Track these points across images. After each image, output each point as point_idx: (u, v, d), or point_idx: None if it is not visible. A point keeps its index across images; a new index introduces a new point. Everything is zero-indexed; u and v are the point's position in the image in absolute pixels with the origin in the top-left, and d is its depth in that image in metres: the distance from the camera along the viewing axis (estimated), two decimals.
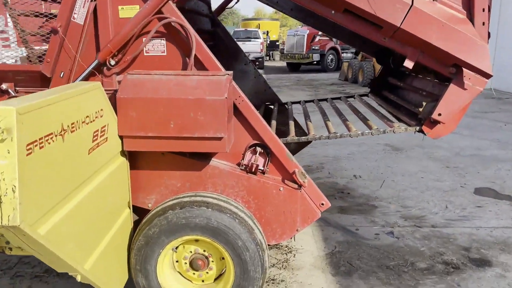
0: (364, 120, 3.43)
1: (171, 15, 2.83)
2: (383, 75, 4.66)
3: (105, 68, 2.88)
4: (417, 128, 3.07)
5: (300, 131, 4.54)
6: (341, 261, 3.61)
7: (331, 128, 3.27)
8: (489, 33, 2.82)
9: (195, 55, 2.83)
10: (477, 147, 7.18)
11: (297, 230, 3.04)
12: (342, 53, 22.71)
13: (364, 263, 3.57)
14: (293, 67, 23.81)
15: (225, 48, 4.87)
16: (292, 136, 3.20)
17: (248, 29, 27.67)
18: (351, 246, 3.86)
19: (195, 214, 2.71)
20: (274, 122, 3.58)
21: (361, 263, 3.56)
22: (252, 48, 24.09)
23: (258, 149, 2.98)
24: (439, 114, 2.89)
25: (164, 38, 2.89)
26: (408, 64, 2.86)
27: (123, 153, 2.78)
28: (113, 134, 2.63)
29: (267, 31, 30.99)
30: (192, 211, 2.71)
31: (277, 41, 32.94)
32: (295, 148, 4.88)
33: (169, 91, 2.66)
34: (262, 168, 2.98)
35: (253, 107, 2.92)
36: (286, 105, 4.61)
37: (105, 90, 2.69)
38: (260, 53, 24.48)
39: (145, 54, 2.93)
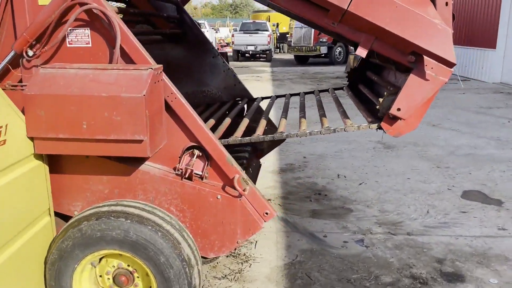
0: (322, 116, 3.07)
1: (92, 1, 2.50)
2: (362, 67, 4.26)
3: (24, 60, 2.58)
4: (376, 125, 2.70)
5: (271, 128, 4.19)
6: (299, 273, 3.27)
7: (303, 125, 2.91)
8: (453, 15, 2.42)
9: (120, 46, 2.52)
10: (474, 145, 6.72)
11: (237, 243, 2.71)
12: None
13: (324, 275, 3.22)
14: (301, 60, 23.30)
15: (194, 39, 4.53)
16: (235, 137, 2.85)
17: (257, 21, 27.22)
18: (314, 255, 3.51)
19: (111, 226, 2.40)
20: (246, 120, 3.23)
21: (321, 276, 3.21)
22: (259, 40, 23.68)
23: (196, 152, 2.65)
24: (398, 109, 2.51)
25: (89, 28, 2.58)
26: (361, 52, 2.48)
27: (38, 155, 2.48)
28: (16, 135, 2.32)
29: (277, 23, 30.48)
30: (109, 222, 2.40)
31: (287, 33, 32.44)
32: (268, 146, 4.53)
33: (82, 88, 2.36)
34: (200, 173, 2.66)
35: (188, 105, 2.60)
36: (255, 101, 4.26)
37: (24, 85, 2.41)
38: (267, 45, 24.04)
39: (68, 45, 2.63)
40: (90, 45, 2.61)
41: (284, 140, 4.51)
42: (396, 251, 3.54)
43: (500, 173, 5.39)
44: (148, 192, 2.67)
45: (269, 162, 5.92)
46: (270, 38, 24.57)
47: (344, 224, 4.06)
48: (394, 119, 2.60)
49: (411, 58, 2.44)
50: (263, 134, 2.90)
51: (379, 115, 2.73)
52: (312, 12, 2.51)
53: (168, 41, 4.37)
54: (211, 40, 22.78)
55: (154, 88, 2.39)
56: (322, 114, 3.16)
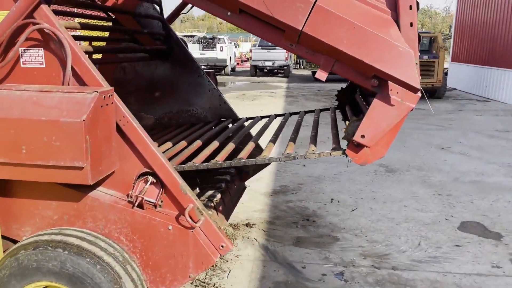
0: (293, 140, 2.89)
1: (44, 21, 2.41)
2: (351, 87, 4.06)
3: None
4: (340, 152, 2.50)
5: (258, 151, 4.02)
6: None
7: (289, 148, 2.71)
8: (419, 36, 2.22)
9: (72, 67, 2.41)
10: (482, 172, 6.36)
11: (189, 277, 2.53)
12: None
13: None
14: None
15: (179, 57, 4.42)
16: (192, 163, 2.69)
17: None
18: None
19: (48, 257, 2.26)
20: (231, 145, 3.06)
21: None
22: (277, 56, 23.63)
23: (150, 178, 2.50)
24: (362, 136, 2.31)
25: (42, 48, 2.49)
26: (320, 75, 2.29)
27: None
28: None
29: None
30: (46, 253, 2.26)
31: None
32: (254, 169, 4.35)
33: (23, 111, 2.26)
34: (153, 201, 2.50)
35: (140, 130, 2.46)
36: (240, 121, 4.10)
37: None
38: (284, 61, 23.96)
39: (22, 65, 2.54)
40: (43, 65, 2.52)
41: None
42: (376, 287, 3.28)
43: (505, 204, 5.04)
44: (98, 219, 2.53)
45: (263, 183, 5.73)
46: (288, 54, 24.50)
47: (327, 254, 3.81)
48: (359, 146, 2.39)
49: (374, 82, 2.25)
50: (247, 158, 2.72)
51: (343, 139, 2.54)
52: (270, 33, 2.34)
53: (154, 58, 4.27)
54: (230, 55, 22.67)
55: (100, 112, 2.28)
56: (293, 137, 2.97)
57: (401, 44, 2.11)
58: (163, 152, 2.91)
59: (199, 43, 24.91)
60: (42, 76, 2.52)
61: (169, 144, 3.33)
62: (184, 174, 4.01)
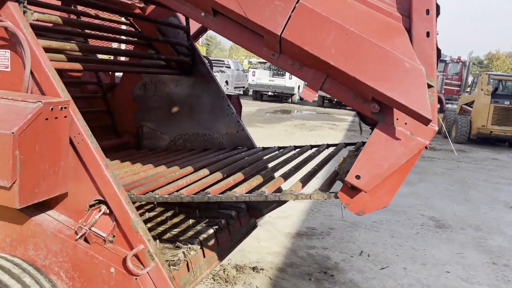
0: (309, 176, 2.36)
1: (9, 19, 2.17)
2: None
3: None
4: (331, 195, 1.94)
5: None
6: None
7: (273, 185, 2.23)
8: (438, 51, 1.64)
9: (31, 72, 2.12)
10: None
11: None
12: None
13: None
14: None
15: (200, 76, 4.08)
16: (151, 194, 2.24)
17: None
18: None
19: None
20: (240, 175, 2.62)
21: None
22: None
23: (103, 208, 2.11)
24: (357, 177, 1.75)
25: (9, 50, 2.23)
26: (307, 94, 1.78)
27: None
28: None
29: None
30: None
31: None
32: (267, 206, 3.83)
33: None
34: (103, 235, 2.09)
35: (95, 149, 2.10)
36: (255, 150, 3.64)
37: None
38: None
39: None
40: (9, 69, 2.26)
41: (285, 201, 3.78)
42: None
43: None
44: (39, 248, 2.17)
45: (290, 221, 5.14)
46: None
47: None
48: (355, 189, 1.82)
49: (374, 108, 1.69)
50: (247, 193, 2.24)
51: (337, 179, 1.98)
52: (249, 40, 1.88)
53: (174, 71, 3.96)
54: (299, 84, 22.30)
55: (42, 126, 1.94)
56: (311, 173, 2.43)
57: (409, 58, 1.55)
58: (155, 177, 2.51)
59: (270, 70, 24.92)
60: (6, 81, 2.26)
61: (162, 168, 2.95)
62: (181, 205, 3.61)
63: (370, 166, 1.72)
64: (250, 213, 3.75)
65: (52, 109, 1.98)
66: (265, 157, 3.24)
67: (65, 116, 2.07)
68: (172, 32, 4.00)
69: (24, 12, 2.28)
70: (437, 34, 1.61)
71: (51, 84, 2.14)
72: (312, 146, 3.52)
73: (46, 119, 1.96)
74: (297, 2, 1.63)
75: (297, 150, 3.42)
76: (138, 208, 3.32)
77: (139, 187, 2.34)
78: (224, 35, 1.94)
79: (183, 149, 3.93)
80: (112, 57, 4.65)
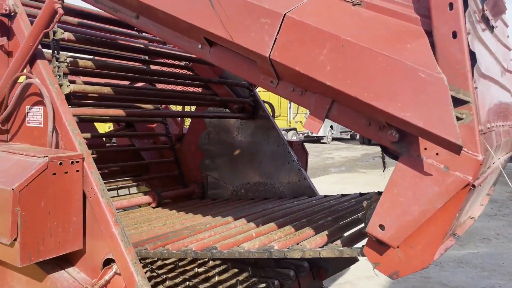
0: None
1: (38, 77, 2.24)
2: None
3: None
4: (355, 251, 1.53)
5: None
6: None
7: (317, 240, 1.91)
8: (472, 54, 1.21)
9: (54, 128, 2.13)
10: None
11: None
12: None
13: None
14: None
15: (260, 123, 3.91)
16: (158, 250, 2.02)
17: None
18: None
19: None
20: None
21: None
22: None
23: (115, 267, 1.96)
24: (381, 227, 1.33)
25: (41, 107, 2.29)
26: (311, 125, 1.44)
27: None
28: None
29: None
30: None
31: None
32: (335, 264, 3.39)
33: None
34: None
35: (105, 205, 2.00)
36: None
37: None
38: None
39: (27, 124, 2.39)
40: (41, 125, 2.31)
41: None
42: None
43: None
44: None
45: (376, 282, 4.50)
46: None
47: None
48: (383, 244, 1.39)
49: (391, 136, 1.30)
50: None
51: (363, 231, 1.56)
52: (246, 68, 1.63)
53: (236, 118, 3.86)
54: None
55: (49, 181, 1.89)
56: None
57: (424, 66, 1.16)
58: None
59: None
60: (40, 137, 2.31)
61: (205, 219, 2.74)
62: (236, 259, 3.32)
63: (396, 213, 1.30)
64: (314, 273, 3.32)
65: (60, 163, 1.92)
66: (315, 206, 2.86)
67: (77, 170, 1.99)
68: (231, 76, 3.93)
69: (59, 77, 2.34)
70: (469, 33, 1.20)
71: (70, 139, 2.12)
72: (379, 193, 3.05)
73: (54, 173, 1.89)
74: (284, 16, 1.36)
75: (361, 197, 2.98)
76: (191, 263, 3.14)
77: (155, 241, 2.14)
78: (223, 65, 1.73)
79: (243, 199, 3.74)
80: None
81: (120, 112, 2.92)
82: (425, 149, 1.24)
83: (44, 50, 2.35)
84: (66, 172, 1.94)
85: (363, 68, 1.22)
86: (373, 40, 1.24)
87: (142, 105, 3.63)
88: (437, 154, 1.23)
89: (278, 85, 1.53)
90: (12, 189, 1.74)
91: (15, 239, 1.76)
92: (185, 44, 1.79)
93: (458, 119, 1.16)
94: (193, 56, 3.82)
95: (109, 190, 3.68)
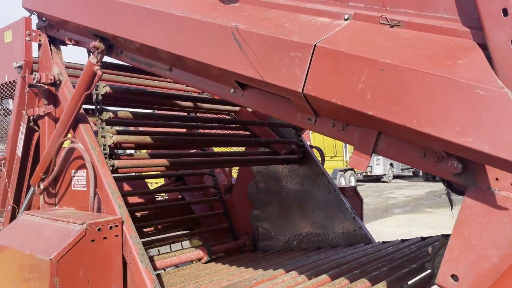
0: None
1: (81, 141, 2.25)
2: None
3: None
4: None
5: None
6: None
7: None
8: None
9: (95, 192, 2.10)
10: None
11: None
12: None
13: None
14: None
15: (308, 169, 3.74)
16: None
17: None
18: None
19: None
20: None
21: None
22: None
23: None
24: (454, 277, 1.11)
25: (85, 171, 2.30)
26: (356, 162, 1.28)
27: None
28: None
29: None
30: None
31: None
32: None
33: (23, 242, 2.03)
34: None
35: (144, 271, 1.92)
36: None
37: None
38: None
39: (72, 188, 2.40)
40: (85, 189, 2.30)
41: None
42: None
43: None
44: None
45: None
46: None
47: None
48: None
49: (453, 167, 1.11)
50: None
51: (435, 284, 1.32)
52: (281, 108, 1.52)
53: (284, 163, 3.72)
54: None
55: (88, 248, 1.83)
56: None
57: (482, 82, 0.99)
58: None
59: None
60: (84, 200, 2.29)
61: (253, 274, 2.56)
62: None
63: (470, 260, 1.08)
64: None
65: (99, 229, 1.86)
66: (371, 254, 2.60)
67: (116, 235, 1.92)
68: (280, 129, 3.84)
69: (103, 136, 2.34)
70: None
71: (110, 202, 2.08)
72: (445, 236, 2.74)
73: (92, 240, 1.83)
74: (314, 47, 1.25)
75: (423, 241, 2.69)
76: None
77: None
78: (257, 108, 1.64)
79: (296, 250, 3.53)
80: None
81: (165, 161, 2.85)
82: (497, 179, 1.04)
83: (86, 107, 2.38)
84: (105, 238, 1.87)
85: (409, 91, 1.06)
86: (417, 60, 1.09)
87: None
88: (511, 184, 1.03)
89: (316, 122, 1.40)
90: (50, 259, 1.69)
91: None
92: (218, 90, 1.72)
93: None
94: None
95: (162, 245, 3.65)
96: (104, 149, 2.32)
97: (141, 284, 1.83)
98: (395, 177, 22.47)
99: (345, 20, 1.29)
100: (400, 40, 1.20)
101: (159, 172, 5.16)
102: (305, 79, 1.27)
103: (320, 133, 1.42)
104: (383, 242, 3.05)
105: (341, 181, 18.64)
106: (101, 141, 2.33)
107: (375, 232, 3.78)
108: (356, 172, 20.57)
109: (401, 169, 23.11)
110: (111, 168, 2.27)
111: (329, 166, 20.24)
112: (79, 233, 1.77)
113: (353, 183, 19.99)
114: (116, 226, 1.91)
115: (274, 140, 3.61)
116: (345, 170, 19.53)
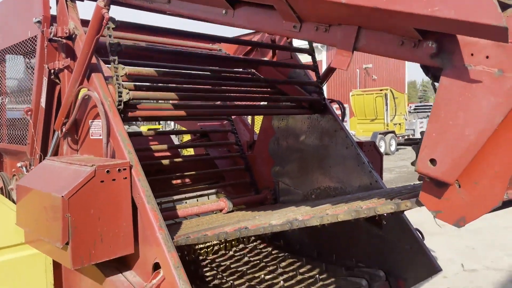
0: None
1: (94, 90, 2.36)
2: None
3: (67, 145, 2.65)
4: (411, 202, 1.33)
5: None
6: None
7: None
8: None
9: (108, 140, 2.27)
10: None
11: None
12: None
13: None
14: None
15: (327, 124, 3.74)
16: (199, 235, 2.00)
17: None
18: None
19: None
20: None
21: None
22: None
23: (162, 271, 2.01)
24: (432, 161, 1.15)
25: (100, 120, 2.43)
26: (338, 61, 1.33)
27: None
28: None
29: None
30: None
31: None
32: (417, 272, 3.10)
33: (38, 181, 2.24)
34: None
35: (150, 210, 2.07)
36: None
37: None
38: None
39: (91, 137, 2.55)
40: (101, 137, 2.43)
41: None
42: None
43: None
44: None
45: None
46: None
47: None
48: (440, 185, 1.19)
49: (429, 48, 1.13)
50: None
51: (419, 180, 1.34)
52: (268, 20, 1.58)
53: (303, 121, 3.78)
54: None
55: (97, 188, 1.98)
56: None
57: None
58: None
59: None
60: (101, 148, 2.43)
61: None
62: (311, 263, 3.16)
63: (447, 141, 1.10)
64: (392, 284, 3.07)
65: (107, 171, 1.99)
66: (378, 193, 2.63)
67: (125, 178, 2.06)
68: (299, 75, 3.84)
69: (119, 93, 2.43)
70: None
71: (120, 148, 2.20)
72: None
73: (102, 181, 1.97)
74: None
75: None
76: (260, 270, 3.09)
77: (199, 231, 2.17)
78: (248, 26, 1.72)
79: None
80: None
81: (182, 112, 2.91)
82: (472, 55, 1.03)
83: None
84: (114, 180, 2.01)
85: None
86: None
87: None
88: (487, 57, 1.01)
89: (301, 29, 1.45)
90: (62, 196, 1.85)
91: (67, 243, 1.86)
92: (212, 14, 1.77)
93: (506, 5, 0.94)
94: (257, 59, 3.80)
95: (188, 198, 3.84)
96: (119, 105, 2.40)
97: (148, 223, 1.99)
98: None
99: None
100: None
101: (184, 128, 5.32)
102: None
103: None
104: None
105: (381, 144, 18.24)
106: (117, 97, 2.39)
107: None
108: (397, 135, 20.03)
109: None
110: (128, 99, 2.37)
111: (369, 129, 19.85)
112: (88, 173, 1.93)
113: (393, 147, 19.53)
114: (125, 169, 2.06)
115: (297, 97, 3.59)
116: (385, 133, 19.04)
